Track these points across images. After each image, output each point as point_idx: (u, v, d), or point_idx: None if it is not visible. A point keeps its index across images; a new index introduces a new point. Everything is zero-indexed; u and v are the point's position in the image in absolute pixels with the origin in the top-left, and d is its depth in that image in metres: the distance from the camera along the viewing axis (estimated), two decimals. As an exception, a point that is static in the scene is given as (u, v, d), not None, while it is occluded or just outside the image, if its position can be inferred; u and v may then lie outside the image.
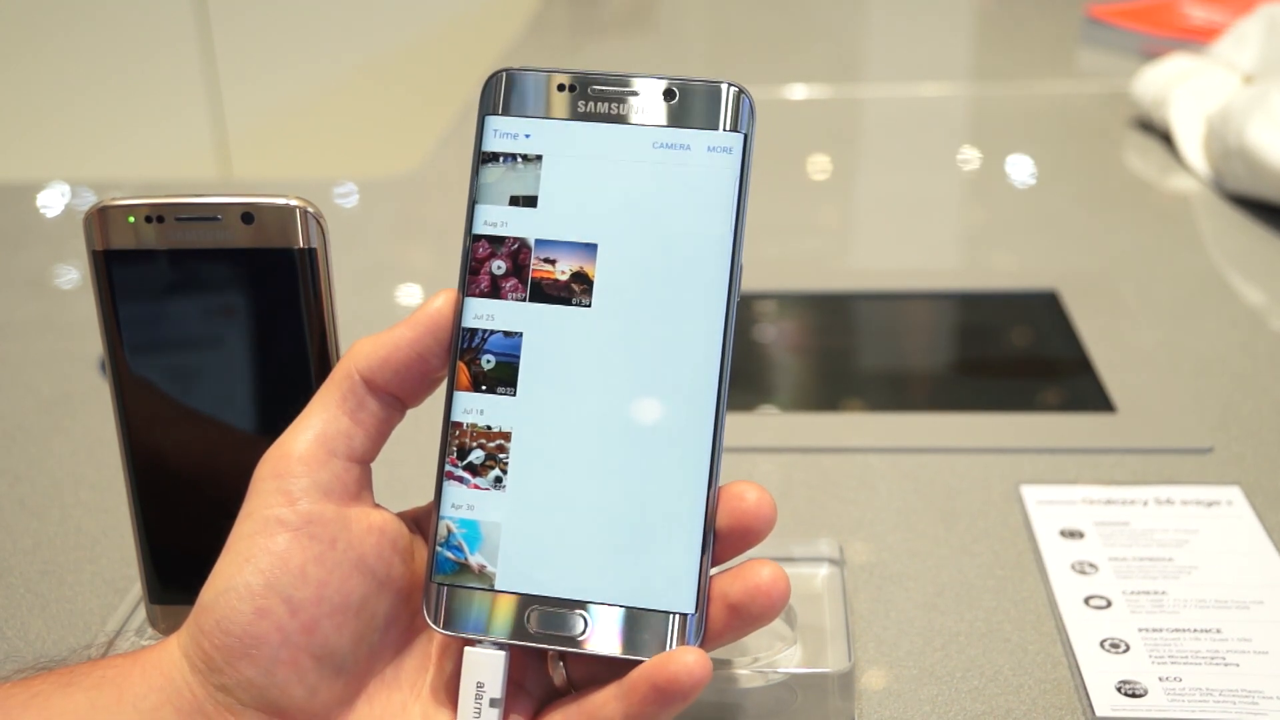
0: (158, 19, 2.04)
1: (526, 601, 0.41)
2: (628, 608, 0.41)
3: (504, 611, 0.41)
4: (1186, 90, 1.12)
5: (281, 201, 0.45)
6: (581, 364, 0.42)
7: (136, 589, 0.56)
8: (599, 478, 0.41)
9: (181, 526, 0.48)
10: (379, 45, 2.11)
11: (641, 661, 0.40)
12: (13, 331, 0.89)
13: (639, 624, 0.41)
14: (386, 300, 0.93)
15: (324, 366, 0.46)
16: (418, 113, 1.83)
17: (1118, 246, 0.96)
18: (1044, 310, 0.86)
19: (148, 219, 0.45)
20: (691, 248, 0.42)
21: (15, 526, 0.66)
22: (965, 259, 1.00)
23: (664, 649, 0.40)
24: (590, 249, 0.42)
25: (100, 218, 0.45)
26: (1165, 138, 1.13)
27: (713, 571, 0.41)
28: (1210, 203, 1.02)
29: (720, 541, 0.42)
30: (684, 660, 0.39)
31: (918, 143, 1.22)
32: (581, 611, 0.41)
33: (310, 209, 0.45)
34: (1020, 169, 1.15)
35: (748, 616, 0.41)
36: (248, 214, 0.45)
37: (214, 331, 0.46)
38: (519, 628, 0.41)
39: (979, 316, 0.89)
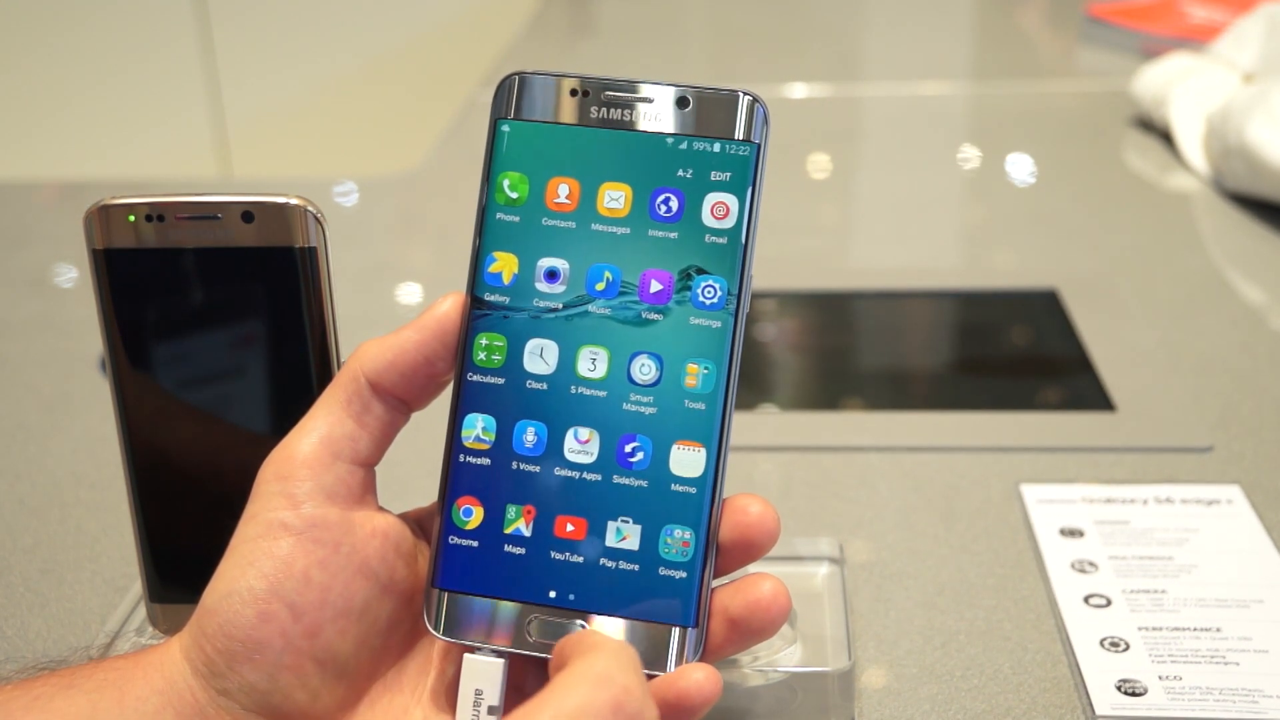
0: (158, 19, 2.04)
1: (527, 610, 0.41)
2: (628, 619, 0.41)
3: (504, 619, 0.41)
4: (1186, 89, 1.12)
5: (282, 200, 0.45)
6: (589, 372, 0.42)
7: (136, 588, 0.56)
8: (603, 488, 0.41)
9: (182, 525, 0.48)
10: (379, 45, 2.11)
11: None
12: (13, 331, 0.88)
13: (639, 636, 0.40)
14: (386, 300, 0.93)
15: (324, 365, 0.46)
16: (418, 113, 1.83)
17: (1118, 246, 0.96)
18: (1044, 310, 0.86)
19: (148, 218, 0.45)
20: (701, 257, 0.42)
21: (15, 526, 0.67)
22: (965, 258, 1.00)
23: (663, 661, 0.40)
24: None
25: (100, 216, 0.45)
26: (1165, 137, 1.13)
27: (714, 584, 0.41)
28: (1210, 202, 1.02)
29: (722, 554, 0.41)
30: (693, 677, 0.39)
31: (918, 142, 1.22)
32: (581, 622, 0.41)
33: (310, 208, 0.45)
34: (1020, 168, 1.15)
35: (748, 631, 0.40)
36: (248, 213, 0.45)
37: (214, 330, 0.46)
38: (519, 636, 0.41)
39: (979, 316, 0.89)
